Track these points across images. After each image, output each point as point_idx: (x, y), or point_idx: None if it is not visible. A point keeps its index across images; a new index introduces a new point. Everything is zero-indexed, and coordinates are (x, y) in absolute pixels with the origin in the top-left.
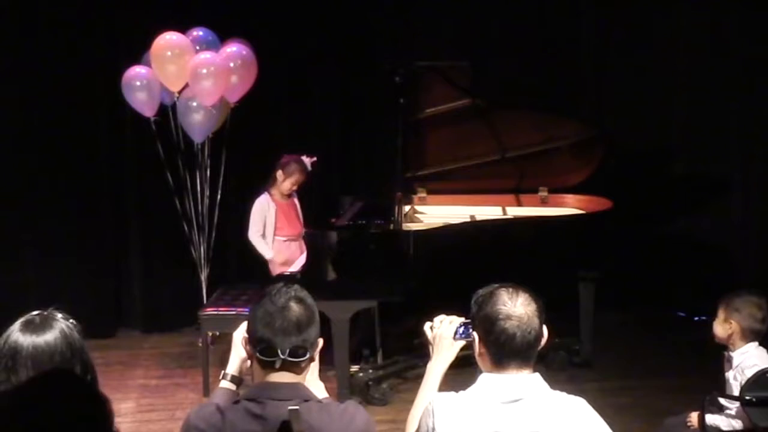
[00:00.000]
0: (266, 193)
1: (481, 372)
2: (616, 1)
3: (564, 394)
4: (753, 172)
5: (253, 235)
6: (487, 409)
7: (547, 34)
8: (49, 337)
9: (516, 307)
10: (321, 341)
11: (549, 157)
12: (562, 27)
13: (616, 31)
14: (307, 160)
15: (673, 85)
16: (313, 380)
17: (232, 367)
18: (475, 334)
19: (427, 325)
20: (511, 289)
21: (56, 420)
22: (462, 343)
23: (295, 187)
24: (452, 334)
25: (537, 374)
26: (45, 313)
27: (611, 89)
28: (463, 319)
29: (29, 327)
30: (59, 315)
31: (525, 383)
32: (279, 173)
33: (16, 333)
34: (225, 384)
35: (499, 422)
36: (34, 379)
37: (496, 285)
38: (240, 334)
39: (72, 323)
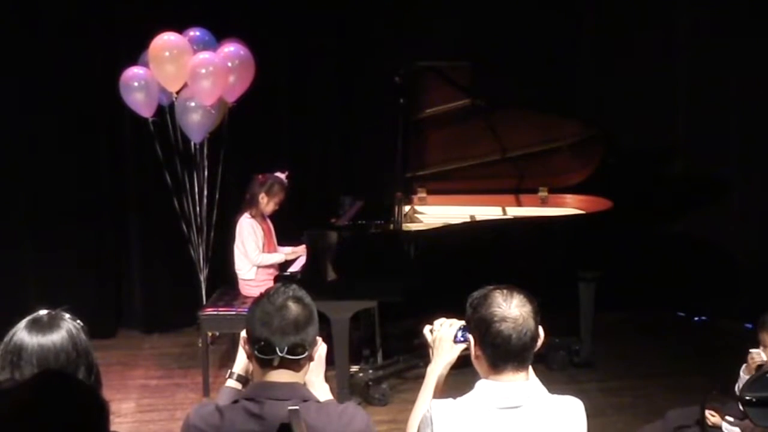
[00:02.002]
0: (248, 214)
1: (478, 377)
2: (617, 1)
3: (561, 397)
4: (753, 172)
5: (257, 257)
6: (486, 415)
7: (547, 34)
8: (56, 337)
9: (511, 308)
10: (320, 341)
11: (549, 157)
12: (562, 27)
13: (616, 31)
14: (282, 176)
15: (674, 85)
16: (318, 382)
17: (239, 366)
18: (470, 337)
19: (426, 328)
20: (505, 291)
21: (52, 421)
22: (462, 346)
23: (277, 207)
24: (452, 337)
25: (536, 380)
26: (52, 312)
27: (611, 89)
28: (463, 322)
29: (36, 326)
30: (66, 316)
31: (523, 390)
32: (262, 196)
33: (22, 331)
34: (231, 383)
35: (498, 429)
36: (30, 380)
37: (491, 287)
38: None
39: (79, 324)
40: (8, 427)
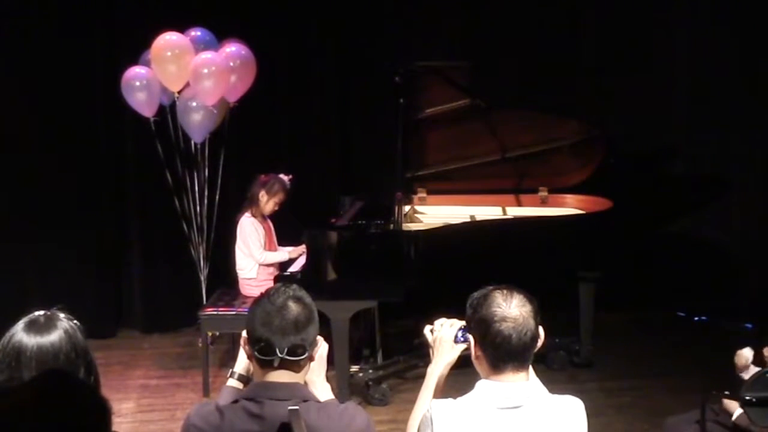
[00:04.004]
0: (248, 213)
1: (478, 377)
2: (616, 1)
3: (562, 397)
4: (753, 172)
5: (261, 255)
6: (486, 415)
7: (547, 34)
8: (54, 337)
9: (511, 308)
10: (322, 340)
11: (549, 157)
12: (562, 27)
13: (615, 31)
14: (285, 178)
15: (673, 85)
16: (319, 382)
17: (240, 365)
18: (471, 337)
19: (427, 329)
20: (505, 291)
21: (55, 421)
22: (462, 346)
23: (277, 207)
24: (452, 338)
25: (536, 380)
26: (48, 313)
27: (611, 89)
28: (463, 323)
29: (33, 327)
30: (62, 315)
31: (524, 390)
32: (262, 194)
33: (20, 333)
34: (232, 383)
35: (499, 429)
36: (34, 380)
37: (491, 287)
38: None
39: (75, 324)
40: (10, 427)
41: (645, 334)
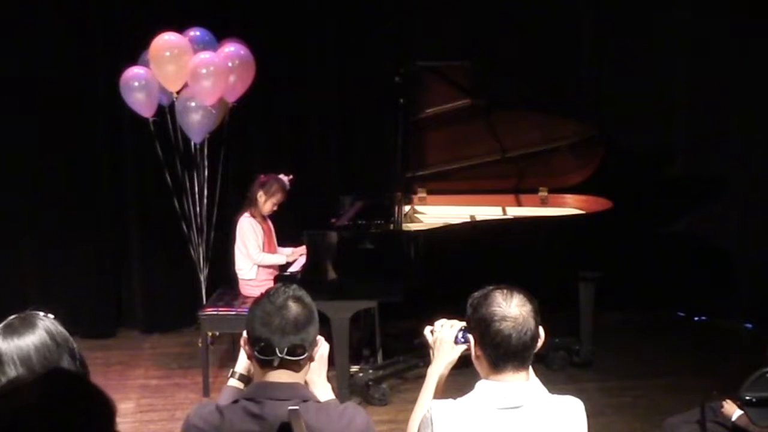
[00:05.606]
0: (248, 214)
1: (478, 377)
2: (616, 1)
3: (562, 397)
4: (753, 172)
5: (258, 255)
6: (486, 416)
7: (548, 33)
8: (31, 335)
9: (511, 308)
10: (322, 340)
11: (549, 157)
12: (562, 27)
13: (616, 31)
14: (285, 179)
15: (674, 85)
16: (320, 382)
17: (240, 365)
18: (471, 338)
19: (427, 329)
20: (505, 291)
21: (61, 421)
22: (463, 347)
23: (275, 208)
24: (453, 339)
25: (536, 380)
26: (22, 315)
27: (611, 89)
28: (463, 324)
29: (8, 331)
30: (38, 314)
31: (524, 390)
32: (260, 194)
33: None
34: (233, 383)
35: (499, 429)
36: (37, 381)
37: (491, 287)
38: None
39: (51, 318)
40: (15, 428)
41: (645, 334)
